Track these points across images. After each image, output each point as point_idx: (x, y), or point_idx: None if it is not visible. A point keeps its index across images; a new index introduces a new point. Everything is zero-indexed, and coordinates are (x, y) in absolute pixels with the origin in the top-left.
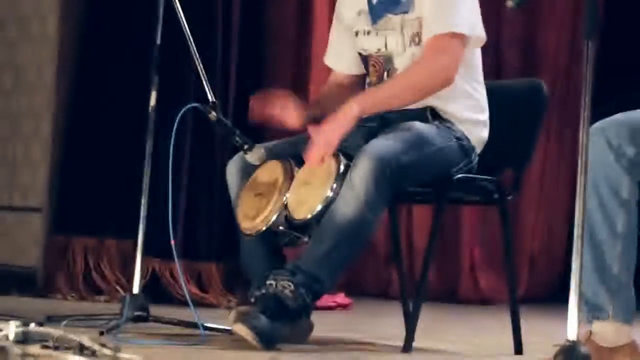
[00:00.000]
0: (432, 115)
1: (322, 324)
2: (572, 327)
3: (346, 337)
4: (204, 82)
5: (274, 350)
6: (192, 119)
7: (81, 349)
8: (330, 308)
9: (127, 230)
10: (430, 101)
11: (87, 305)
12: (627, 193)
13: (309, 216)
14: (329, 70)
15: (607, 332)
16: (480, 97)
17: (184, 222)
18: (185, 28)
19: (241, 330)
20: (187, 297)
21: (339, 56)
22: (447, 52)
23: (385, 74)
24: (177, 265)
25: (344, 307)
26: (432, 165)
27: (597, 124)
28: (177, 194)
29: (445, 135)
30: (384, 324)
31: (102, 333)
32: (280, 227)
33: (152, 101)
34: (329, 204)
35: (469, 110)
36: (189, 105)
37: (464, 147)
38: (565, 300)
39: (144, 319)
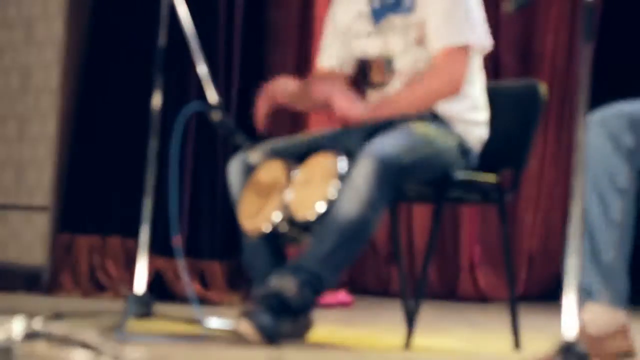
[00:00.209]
0: (431, 115)
1: (324, 321)
2: (569, 326)
3: (347, 334)
4: (207, 83)
5: (276, 348)
6: (195, 119)
7: (86, 346)
8: (332, 305)
9: (132, 229)
10: None
11: (92, 303)
12: (625, 182)
13: (311, 216)
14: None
15: (598, 316)
16: (480, 97)
17: (188, 221)
18: (189, 30)
19: (245, 327)
20: (191, 294)
21: (333, 56)
22: (458, 64)
23: (387, 75)
24: (181, 263)
25: (345, 304)
26: (433, 165)
27: (596, 114)
28: (181, 192)
29: (444, 135)
30: (384, 321)
31: (106, 330)
32: (282, 226)
33: (156, 102)
34: (330, 203)
35: (468, 111)
36: (192, 106)
37: (463, 147)
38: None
39: (148, 316)
